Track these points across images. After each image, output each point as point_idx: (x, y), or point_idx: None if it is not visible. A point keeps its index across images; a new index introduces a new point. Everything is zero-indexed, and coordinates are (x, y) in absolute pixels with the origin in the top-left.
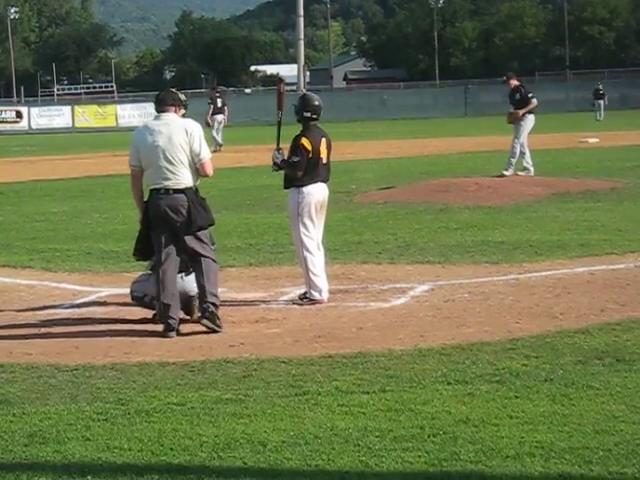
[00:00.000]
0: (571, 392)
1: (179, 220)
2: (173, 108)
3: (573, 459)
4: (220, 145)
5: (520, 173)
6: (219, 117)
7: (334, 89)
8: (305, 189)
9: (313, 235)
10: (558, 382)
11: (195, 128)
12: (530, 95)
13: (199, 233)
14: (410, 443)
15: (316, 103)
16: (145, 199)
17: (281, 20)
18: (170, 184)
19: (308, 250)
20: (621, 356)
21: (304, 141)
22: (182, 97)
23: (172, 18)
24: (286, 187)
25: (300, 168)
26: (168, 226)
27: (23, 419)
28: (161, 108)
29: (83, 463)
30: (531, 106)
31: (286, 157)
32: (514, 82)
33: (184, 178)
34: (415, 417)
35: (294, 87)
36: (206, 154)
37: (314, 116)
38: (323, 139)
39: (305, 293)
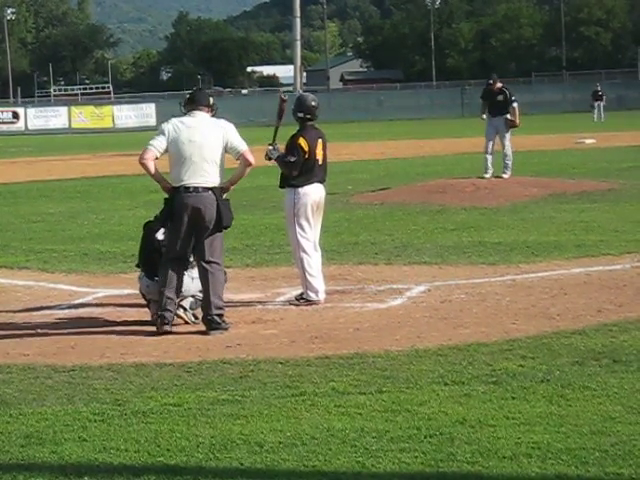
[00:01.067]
0: (568, 393)
1: (208, 219)
2: (206, 108)
3: (570, 460)
4: None
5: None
6: None
7: (331, 90)
8: (301, 190)
9: (309, 236)
10: (555, 383)
11: (229, 125)
12: (513, 99)
13: (217, 237)
14: (407, 444)
15: (312, 104)
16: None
17: (278, 21)
18: (201, 182)
19: (304, 251)
20: (618, 357)
21: (301, 141)
22: (212, 100)
23: (169, 19)
24: (281, 186)
25: (296, 168)
26: (190, 224)
27: (20, 420)
28: (195, 107)
29: (80, 464)
30: (517, 112)
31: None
32: (498, 85)
33: (214, 177)
34: (412, 418)
35: (291, 88)
36: (244, 145)
37: (308, 116)
38: (320, 140)
39: (302, 294)
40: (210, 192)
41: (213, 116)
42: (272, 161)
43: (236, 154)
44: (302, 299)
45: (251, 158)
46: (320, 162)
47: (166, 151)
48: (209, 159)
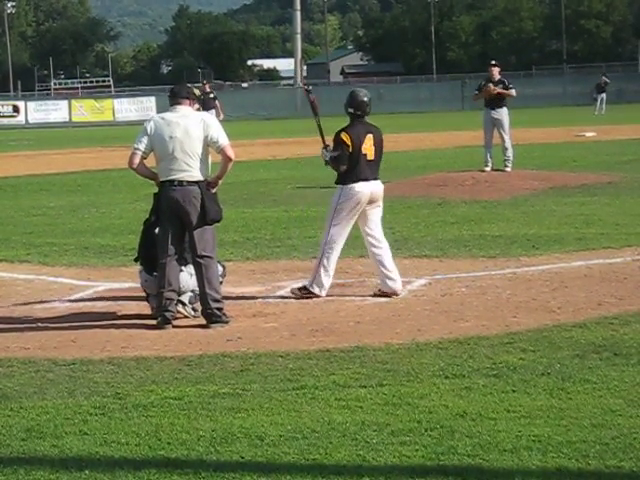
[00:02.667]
0: (568, 386)
1: (192, 212)
2: (188, 101)
3: (570, 453)
4: None
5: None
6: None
7: (331, 83)
8: (347, 187)
9: (342, 234)
10: (555, 376)
11: (211, 118)
12: (511, 86)
13: (207, 231)
14: (407, 437)
15: (363, 99)
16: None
17: (278, 14)
18: (185, 176)
19: (330, 246)
20: (618, 350)
21: (343, 135)
22: (197, 92)
23: (169, 12)
24: (336, 183)
25: (342, 162)
26: (178, 220)
27: (21, 413)
28: (176, 100)
29: (80, 457)
30: (509, 93)
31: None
32: (497, 73)
33: (198, 171)
34: (412, 411)
35: (291, 81)
36: (224, 140)
37: (359, 112)
38: (369, 135)
39: (304, 286)
40: (195, 186)
41: (212, 107)
42: (329, 165)
43: (217, 148)
44: (304, 289)
45: (230, 153)
46: (369, 158)
47: (152, 149)
48: (191, 153)
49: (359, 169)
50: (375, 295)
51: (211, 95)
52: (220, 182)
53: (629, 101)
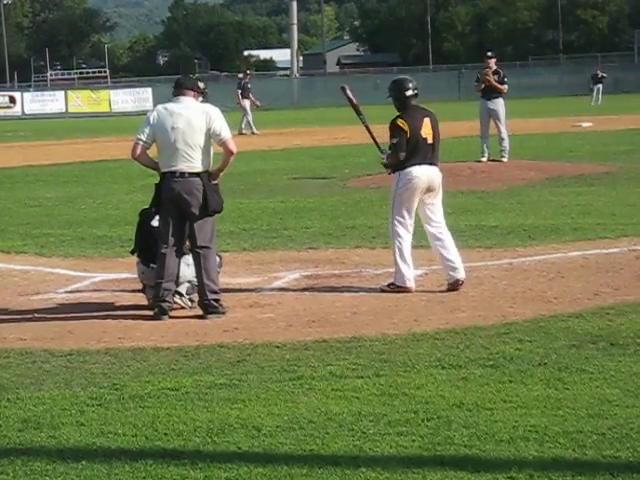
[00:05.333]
0: (565, 376)
1: (194, 204)
2: (192, 93)
3: (567, 443)
4: (242, 131)
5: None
6: (246, 102)
7: (327, 74)
8: (405, 172)
9: (407, 222)
10: (552, 366)
11: (215, 110)
12: (506, 79)
13: (208, 222)
14: (404, 427)
15: (411, 81)
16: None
17: (274, 5)
18: (186, 167)
19: (399, 235)
20: (615, 340)
21: (400, 122)
22: (201, 85)
23: (165, 3)
24: (394, 171)
25: (401, 149)
26: (179, 211)
27: (17, 404)
28: (180, 91)
29: (77, 448)
30: (500, 88)
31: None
32: (493, 64)
33: (200, 162)
34: (409, 401)
35: (287, 72)
36: (226, 133)
37: (416, 92)
38: (426, 119)
39: (392, 283)
40: (197, 177)
41: (204, 100)
42: (388, 167)
43: (218, 141)
44: (392, 285)
45: (232, 146)
46: (429, 141)
47: (154, 139)
48: (193, 144)
49: (418, 153)
50: (384, 288)
51: (249, 85)
52: (221, 174)
53: (625, 91)
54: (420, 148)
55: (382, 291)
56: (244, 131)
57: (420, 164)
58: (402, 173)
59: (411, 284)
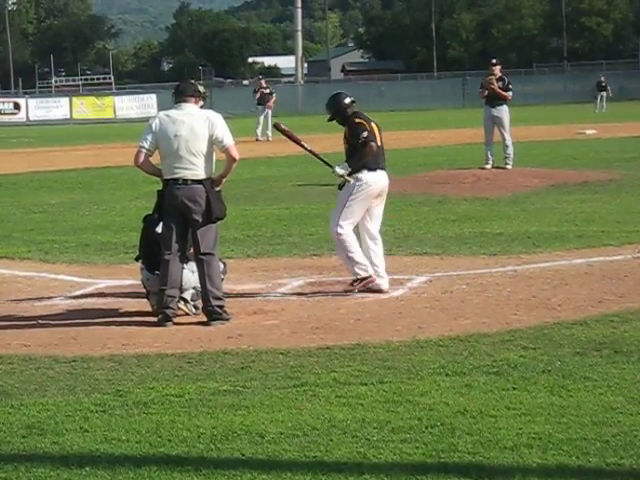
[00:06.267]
0: (569, 383)
1: (197, 211)
2: (193, 99)
3: (571, 450)
4: (257, 137)
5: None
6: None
7: (332, 80)
8: (362, 179)
9: (351, 227)
10: (556, 373)
11: (217, 117)
12: (510, 87)
13: (211, 228)
14: (408, 434)
15: (344, 93)
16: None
17: (279, 12)
18: (189, 174)
19: (346, 240)
20: (619, 347)
21: (357, 120)
22: (201, 89)
23: (170, 10)
24: (352, 173)
25: (371, 139)
26: (182, 218)
27: (21, 410)
28: (181, 98)
29: (81, 454)
30: (505, 95)
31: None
32: (498, 71)
33: (203, 169)
34: (413, 408)
35: (292, 79)
36: (229, 140)
37: (352, 99)
38: (372, 123)
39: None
40: (200, 184)
41: (204, 105)
42: (348, 176)
43: (221, 147)
44: (356, 281)
45: (235, 153)
46: (379, 144)
47: (157, 147)
48: (196, 152)
49: (376, 157)
50: (347, 291)
51: (267, 90)
52: (224, 180)
53: (630, 98)
54: (376, 151)
55: (346, 291)
56: (260, 137)
57: (375, 169)
58: (358, 179)
59: (372, 271)
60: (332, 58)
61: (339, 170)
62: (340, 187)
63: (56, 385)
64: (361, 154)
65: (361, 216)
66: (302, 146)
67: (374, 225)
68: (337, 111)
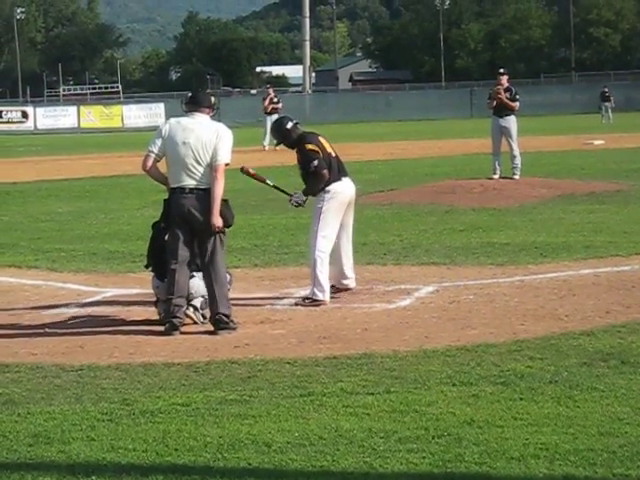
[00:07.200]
0: (576, 394)
1: (203, 219)
2: (207, 110)
3: (577, 461)
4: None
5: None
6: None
7: (340, 90)
8: (330, 190)
9: (331, 238)
10: (563, 384)
11: (226, 132)
12: (517, 97)
13: (218, 238)
14: (415, 444)
15: (287, 127)
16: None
17: (287, 21)
18: (196, 183)
19: (320, 250)
20: (626, 358)
21: (308, 147)
22: (213, 99)
23: (178, 19)
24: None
25: (323, 167)
26: (189, 226)
27: (28, 419)
28: (195, 108)
29: (88, 463)
30: (512, 105)
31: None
32: (505, 82)
33: (209, 178)
34: (420, 418)
35: (300, 88)
36: (224, 158)
37: (297, 124)
38: (320, 137)
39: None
40: (206, 193)
41: (213, 116)
42: (304, 202)
43: (214, 161)
44: (308, 299)
45: (220, 173)
46: (334, 155)
47: (165, 153)
48: (202, 161)
49: (333, 170)
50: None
51: (275, 99)
52: (218, 200)
53: (638, 109)
54: (332, 164)
55: (297, 304)
56: (268, 147)
57: (339, 179)
58: (326, 191)
59: (328, 297)
60: (340, 68)
61: (295, 200)
62: (297, 204)
63: (63, 394)
64: (314, 182)
65: (337, 227)
66: (267, 185)
67: (348, 232)
68: (283, 137)
